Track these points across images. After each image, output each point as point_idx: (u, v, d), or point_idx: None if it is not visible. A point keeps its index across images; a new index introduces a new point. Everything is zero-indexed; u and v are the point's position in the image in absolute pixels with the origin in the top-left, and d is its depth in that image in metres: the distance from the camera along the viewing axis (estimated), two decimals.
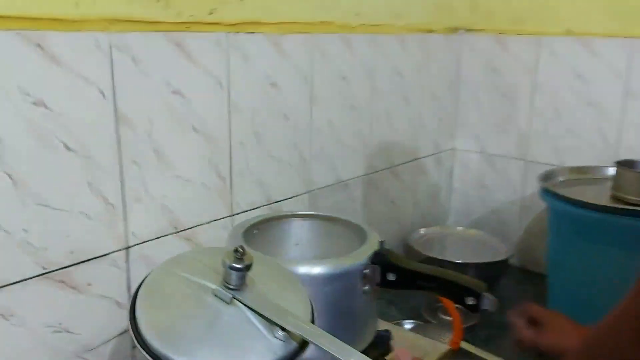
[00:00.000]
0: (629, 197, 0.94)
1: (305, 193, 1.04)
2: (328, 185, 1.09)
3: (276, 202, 0.98)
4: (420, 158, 1.35)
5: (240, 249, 0.58)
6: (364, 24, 1.09)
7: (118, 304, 0.76)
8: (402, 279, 0.77)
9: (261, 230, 0.87)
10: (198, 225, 0.85)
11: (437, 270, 0.78)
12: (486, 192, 1.43)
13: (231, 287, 0.59)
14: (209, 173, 0.86)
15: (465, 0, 1.35)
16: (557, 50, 1.24)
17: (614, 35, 1.17)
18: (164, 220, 0.80)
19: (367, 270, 0.76)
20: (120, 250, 0.75)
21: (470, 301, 0.73)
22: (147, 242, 0.78)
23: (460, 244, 1.34)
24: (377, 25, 1.12)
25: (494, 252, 1.26)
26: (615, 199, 0.97)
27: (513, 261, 1.28)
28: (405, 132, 1.28)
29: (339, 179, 1.11)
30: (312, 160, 1.04)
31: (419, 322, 1.06)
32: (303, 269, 0.73)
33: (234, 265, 0.58)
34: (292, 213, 0.94)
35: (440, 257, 1.18)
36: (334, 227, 0.91)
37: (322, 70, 1.01)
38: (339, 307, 0.76)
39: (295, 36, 0.94)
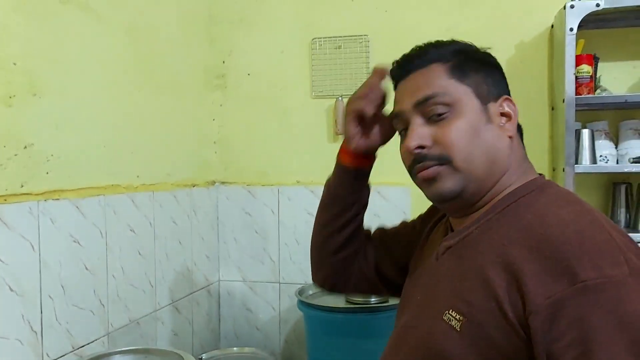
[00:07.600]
0: (356, 299, 1.33)
1: (104, 336, 1.15)
2: (124, 326, 1.22)
3: (81, 347, 1.07)
4: (195, 292, 1.56)
5: None
6: (144, 184, 1.31)
7: None
8: None
9: None
10: None
11: None
12: (250, 314, 1.70)
13: None
14: (23, 328, 0.93)
15: (219, 159, 1.70)
16: (292, 196, 1.65)
17: None
18: None
19: None
20: None
21: None
22: None
23: None
24: (154, 184, 1.36)
25: None
26: (348, 302, 1.34)
27: None
28: (182, 269, 1.49)
29: (132, 318, 1.25)
30: (109, 304, 1.17)
31: None
32: None
33: None
34: (108, 352, 1.05)
35: None
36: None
37: (114, 225, 1.19)
38: None
39: (92, 199, 1.12)
